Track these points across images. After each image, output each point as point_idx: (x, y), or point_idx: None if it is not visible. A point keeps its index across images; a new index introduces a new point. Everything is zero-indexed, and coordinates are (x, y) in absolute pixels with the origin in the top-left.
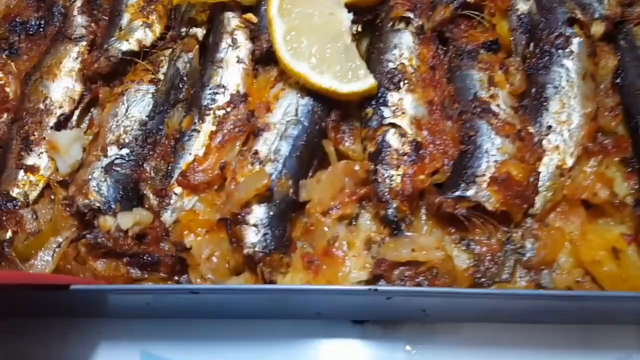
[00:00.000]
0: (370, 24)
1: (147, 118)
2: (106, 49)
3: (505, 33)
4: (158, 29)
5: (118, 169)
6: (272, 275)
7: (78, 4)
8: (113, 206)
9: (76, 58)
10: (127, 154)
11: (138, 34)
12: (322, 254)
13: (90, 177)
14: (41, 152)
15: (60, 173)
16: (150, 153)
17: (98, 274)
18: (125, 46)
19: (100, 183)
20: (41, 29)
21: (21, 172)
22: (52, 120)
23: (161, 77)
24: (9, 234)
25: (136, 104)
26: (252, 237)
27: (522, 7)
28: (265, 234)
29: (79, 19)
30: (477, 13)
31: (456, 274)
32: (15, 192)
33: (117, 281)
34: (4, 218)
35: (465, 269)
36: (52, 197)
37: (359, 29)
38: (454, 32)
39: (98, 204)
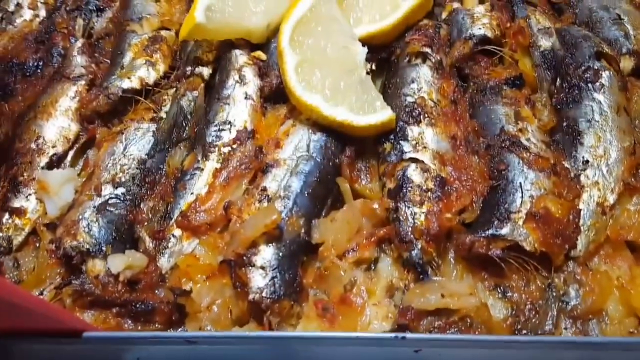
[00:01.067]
0: (384, 62)
1: (146, 156)
2: (106, 87)
3: (528, 69)
4: (162, 68)
5: (112, 209)
6: (281, 325)
7: (79, 44)
8: (104, 249)
9: (73, 97)
10: (122, 194)
11: (141, 72)
12: (338, 301)
13: (80, 217)
14: (29, 194)
15: (48, 216)
16: (148, 193)
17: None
18: (126, 84)
19: (91, 223)
20: (39, 70)
21: (6, 215)
22: (43, 160)
23: (163, 115)
24: None
25: (135, 142)
26: (259, 280)
27: (545, 44)
28: (273, 278)
29: (79, 59)
30: (497, 48)
31: (492, 325)
32: None
33: None
34: None
35: (502, 319)
36: (37, 244)
37: (373, 66)
38: (474, 68)
39: (87, 246)
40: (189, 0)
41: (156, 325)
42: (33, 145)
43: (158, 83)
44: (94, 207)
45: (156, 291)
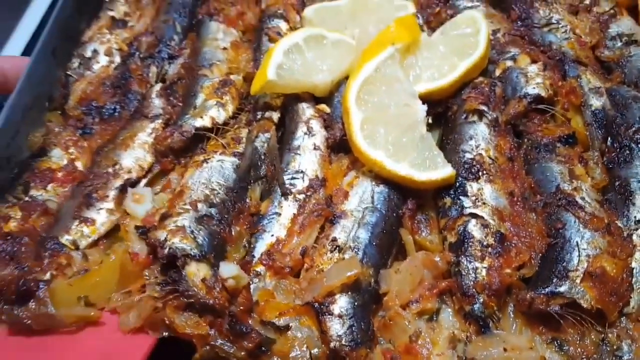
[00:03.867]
0: (441, 116)
1: (233, 185)
2: (180, 125)
3: (580, 127)
4: (231, 108)
5: (209, 223)
6: None
7: (157, 87)
8: (207, 256)
9: (150, 133)
10: (215, 213)
11: (212, 112)
12: (404, 351)
13: (184, 224)
14: (101, 208)
15: (135, 218)
16: (236, 219)
17: (176, 328)
18: (199, 122)
19: (195, 231)
20: (116, 113)
21: (76, 222)
22: (118, 183)
23: (241, 149)
24: (47, 275)
25: (220, 173)
26: (338, 328)
27: (596, 103)
28: (351, 326)
29: (157, 101)
30: (550, 107)
31: None
32: (64, 238)
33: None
34: (47, 260)
35: None
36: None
37: (430, 120)
38: (528, 125)
39: (196, 250)
40: (253, 50)
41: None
42: (110, 170)
43: (227, 122)
44: (195, 218)
45: (249, 315)
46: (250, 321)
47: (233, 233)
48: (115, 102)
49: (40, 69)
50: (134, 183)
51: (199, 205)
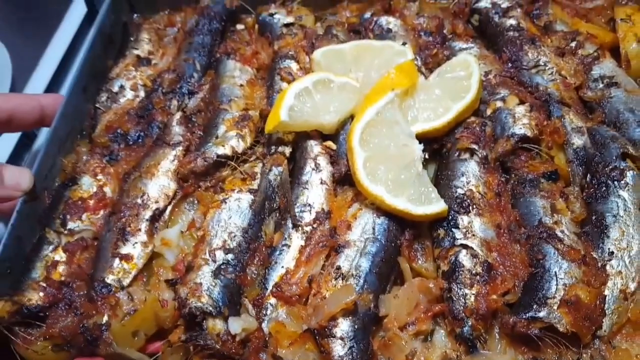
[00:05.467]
0: (436, 152)
1: (248, 225)
2: (203, 152)
3: (562, 164)
4: (249, 140)
5: (225, 274)
6: None
7: (177, 116)
8: (222, 310)
9: (172, 160)
10: (232, 259)
11: (232, 142)
12: None
13: (201, 281)
14: (135, 242)
15: (166, 265)
16: (251, 259)
17: None
18: (220, 150)
19: (211, 287)
20: (140, 140)
21: (116, 261)
22: (148, 214)
23: (254, 186)
24: (105, 318)
25: (237, 212)
26: (339, 350)
27: (577, 142)
28: (351, 347)
29: (177, 129)
30: (535, 146)
31: None
32: (109, 278)
33: None
34: (100, 303)
35: None
36: (145, 279)
37: (426, 156)
38: (515, 162)
39: (211, 308)
40: (267, 88)
41: None
42: (139, 201)
43: (245, 152)
44: (212, 272)
45: (260, 354)
46: (264, 356)
47: (248, 274)
48: (139, 130)
49: (73, 104)
50: (161, 211)
51: (217, 254)
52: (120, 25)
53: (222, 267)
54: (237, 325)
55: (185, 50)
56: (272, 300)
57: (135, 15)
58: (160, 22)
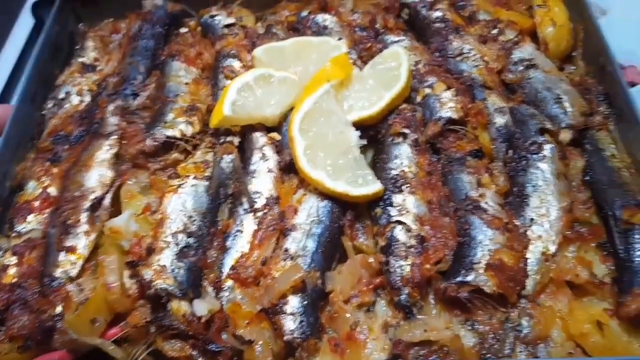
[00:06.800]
0: (373, 138)
1: (206, 210)
2: (152, 133)
3: (487, 142)
4: (197, 127)
5: (188, 256)
6: (308, 358)
7: (111, 107)
8: (187, 292)
9: (108, 150)
10: (193, 242)
11: (181, 126)
12: (346, 338)
13: (165, 263)
14: (78, 233)
15: (124, 249)
16: (210, 243)
17: (165, 352)
18: (170, 132)
19: (176, 269)
20: (82, 139)
21: (62, 254)
22: (87, 204)
23: (209, 173)
24: (58, 309)
25: (195, 197)
26: (291, 325)
27: (500, 121)
28: (301, 322)
29: (111, 119)
30: (461, 127)
31: (464, 352)
32: (58, 272)
33: None
34: (52, 297)
35: (472, 346)
36: (93, 268)
37: (364, 142)
38: (444, 143)
39: (177, 290)
40: (211, 86)
41: None
42: (77, 193)
43: (193, 137)
44: (175, 254)
45: (221, 334)
46: (225, 335)
47: (209, 257)
48: (82, 130)
49: (23, 113)
50: (100, 200)
51: (179, 237)
52: (66, 34)
53: (184, 249)
54: (203, 307)
55: (129, 55)
56: (230, 283)
57: (81, 24)
58: (106, 30)
